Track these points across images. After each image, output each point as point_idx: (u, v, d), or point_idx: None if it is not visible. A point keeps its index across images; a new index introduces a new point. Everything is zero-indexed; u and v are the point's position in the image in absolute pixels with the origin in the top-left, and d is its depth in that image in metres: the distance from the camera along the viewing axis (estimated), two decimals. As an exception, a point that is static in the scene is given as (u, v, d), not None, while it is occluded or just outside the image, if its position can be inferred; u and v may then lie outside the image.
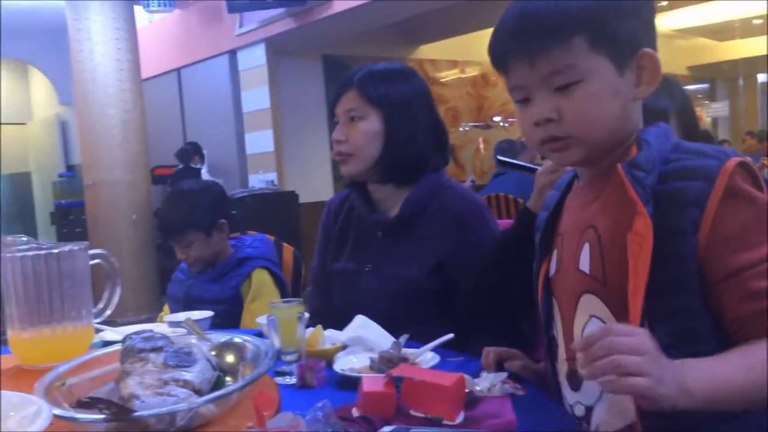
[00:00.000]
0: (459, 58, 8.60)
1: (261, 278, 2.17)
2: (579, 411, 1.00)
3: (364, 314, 1.51)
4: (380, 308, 1.55)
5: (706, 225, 0.85)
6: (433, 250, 1.61)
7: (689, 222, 0.86)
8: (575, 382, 1.01)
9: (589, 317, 0.97)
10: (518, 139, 6.68)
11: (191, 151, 6.89)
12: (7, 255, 1.29)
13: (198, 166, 6.83)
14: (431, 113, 1.72)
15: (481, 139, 8.88)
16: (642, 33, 0.94)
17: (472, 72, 8.79)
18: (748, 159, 0.90)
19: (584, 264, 0.97)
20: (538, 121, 0.94)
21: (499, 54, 0.97)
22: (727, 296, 0.86)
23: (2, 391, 0.86)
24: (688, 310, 0.88)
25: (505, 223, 2.02)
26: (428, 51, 8.30)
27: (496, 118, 9.04)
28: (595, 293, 0.95)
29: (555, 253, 1.06)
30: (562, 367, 1.04)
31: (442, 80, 8.55)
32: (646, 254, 0.85)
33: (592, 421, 0.98)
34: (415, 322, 1.50)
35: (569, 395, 1.03)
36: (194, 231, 2.16)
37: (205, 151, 6.97)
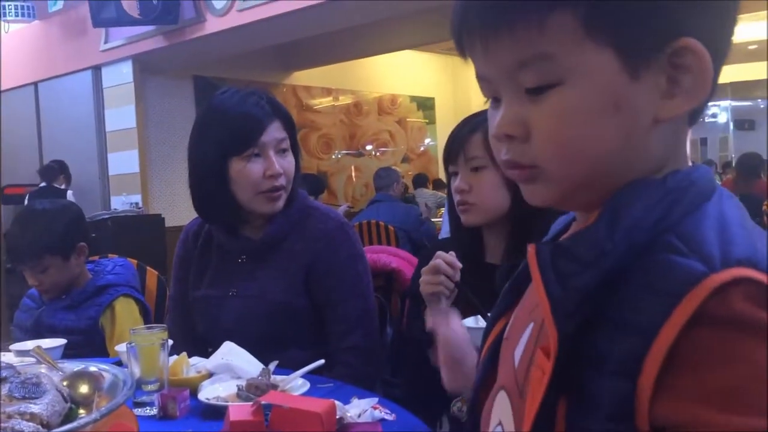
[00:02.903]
0: (333, 86, 8.67)
1: (127, 307, 2.04)
2: None
3: (231, 341, 1.46)
4: (247, 333, 1.52)
5: (652, 366, 0.49)
6: (299, 268, 1.62)
7: (627, 355, 0.50)
8: None
9: (498, 422, 0.67)
10: (393, 166, 6.81)
11: (57, 170, 6.46)
12: None
13: (62, 187, 6.41)
14: None
15: (353, 167, 8.96)
16: (683, 13, 0.55)
17: (345, 100, 8.89)
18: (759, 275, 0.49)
19: (518, 350, 0.65)
20: (497, 136, 0.60)
21: (453, 31, 0.61)
22: None
23: None
24: None
25: (378, 248, 2.05)
26: (302, 77, 8.32)
27: (368, 147, 9.17)
28: (508, 394, 0.65)
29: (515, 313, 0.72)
30: None
31: (316, 107, 8.58)
32: (542, 388, 0.55)
33: None
34: (284, 347, 1.48)
35: None
36: (51, 255, 1.99)
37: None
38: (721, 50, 0.57)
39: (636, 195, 0.56)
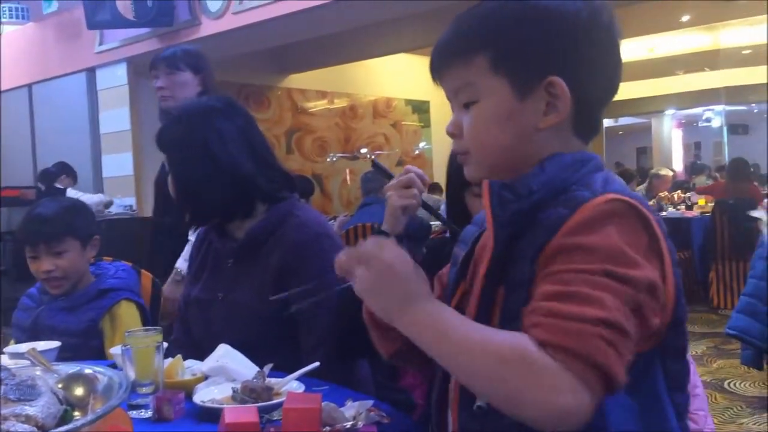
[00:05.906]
0: (328, 89, 8.66)
1: (129, 311, 2.03)
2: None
3: (220, 343, 1.46)
4: (234, 337, 1.51)
5: (549, 248, 0.81)
6: (271, 279, 1.60)
7: (536, 246, 0.82)
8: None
9: None
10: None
11: (55, 172, 6.42)
12: None
13: (62, 186, 6.34)
14: (225, 147, 1.65)
15: (348, 170, 8.96)
16: (554, 59, 0.88)
17: (340, 103, 8.89)
18: (631, 200, 0.82)
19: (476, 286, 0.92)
20: (447, 133, 0.97)
21: (429, 68, 0.98)
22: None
23: None
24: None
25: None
26: (298, 80, 8.31)
27: (363, 150, 9.17)
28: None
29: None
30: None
31: (311, 110, 8.57)
32: (482, 272, 0.87)
33: None
34: (273, 352, 1.46)
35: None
36: (72, 238, 2.00)
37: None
38: (594, 89, 0.91)
39: (556, 161, 0.89)
